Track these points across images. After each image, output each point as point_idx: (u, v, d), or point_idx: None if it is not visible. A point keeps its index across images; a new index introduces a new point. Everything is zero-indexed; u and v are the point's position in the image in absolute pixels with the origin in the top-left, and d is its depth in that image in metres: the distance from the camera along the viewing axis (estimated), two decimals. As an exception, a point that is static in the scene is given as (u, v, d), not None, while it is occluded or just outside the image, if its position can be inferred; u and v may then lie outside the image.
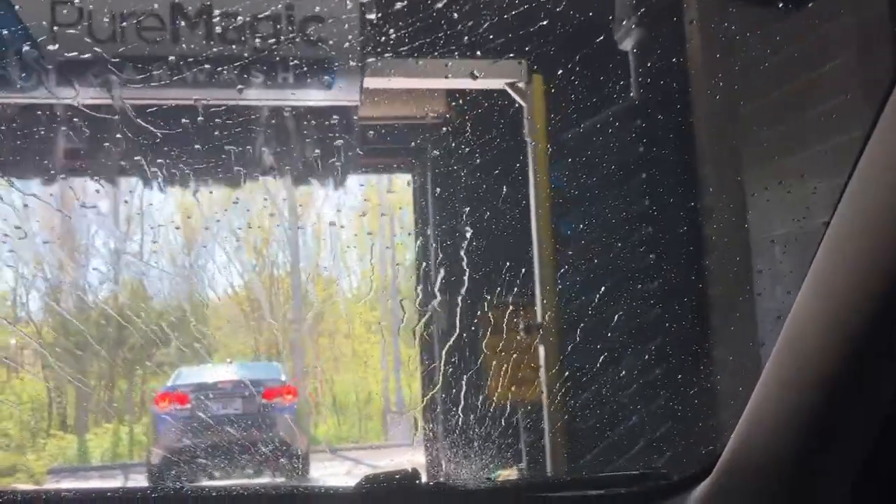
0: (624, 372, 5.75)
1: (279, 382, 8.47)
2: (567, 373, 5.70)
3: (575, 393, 5.72)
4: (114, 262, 17.86)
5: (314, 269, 19.61)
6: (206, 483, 6.78)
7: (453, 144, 6.19)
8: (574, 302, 5.77)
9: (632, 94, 5.44)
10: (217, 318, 17.89)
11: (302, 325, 18.23)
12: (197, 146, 5.18)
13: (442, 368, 6.85)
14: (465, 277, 6.19)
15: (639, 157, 5.35)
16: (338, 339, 19.09)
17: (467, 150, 5.92)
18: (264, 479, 7.14)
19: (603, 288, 5.39)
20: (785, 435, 1.21)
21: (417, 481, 1.73)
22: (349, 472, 11.70)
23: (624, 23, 5.41)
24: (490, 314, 6.30)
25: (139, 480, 13.14)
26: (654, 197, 5.37)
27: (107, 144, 5.41)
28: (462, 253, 6.00)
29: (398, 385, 18.29)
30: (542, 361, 5.73)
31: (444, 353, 6.66)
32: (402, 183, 7.94)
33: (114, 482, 13.41)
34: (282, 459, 7.38)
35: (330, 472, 11.83)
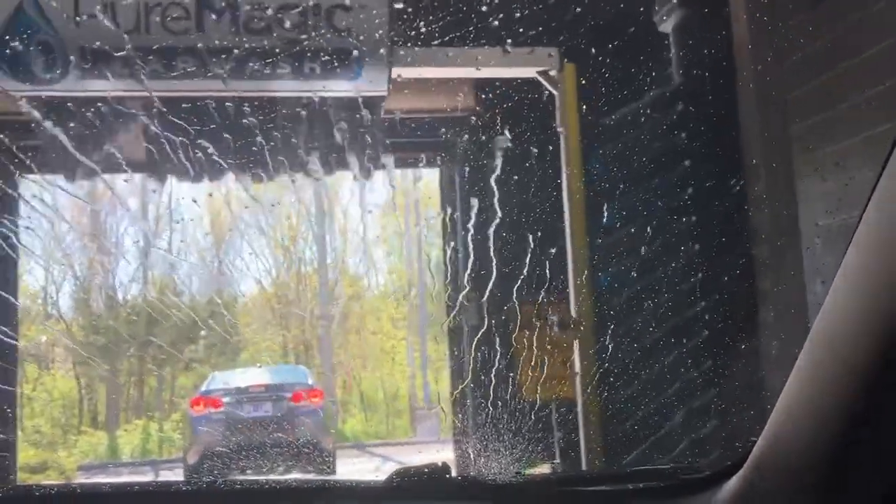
0: (659, 367, 5.61)
1: (306, 386, 8.98)
2: (601, 368, 5.56)
3: (608, 388, 5.58)
4: (142, 259, 18.00)
5: (341, 264, 19.62)
6: (238, 477, 6.89)
7: (483, 136, 6.03)
8: (609, 297, 5.61)
9: (673, 79, 5.22)
10: (246, 315, 17.95)
11: (330, 322, 18.21)
12: (221, 140, 5.09)
13: (471, 364, 6.74)
14: (496, 272, 6.05)
15: (680, 144, 5.13)
16: (365, 335, 19.05)
17: (497, 141, 5.76)
18: (295, 475, 7.42)
19: (638, 282, 5.23)
20: (817, 428, 1.20)
21: (447, 475, 1.72)
22: (377, 469, 11.84)
23: (665, 3, 5.20)
24: (522, 309, 6.15)
25: (170, 476, 13.23)
26: (694, 187, 5.16)
27: (132, 138, 5.35)
28: (492, 247, 5.86)
29: (425, 381, 18.22)
30: (576, 356, 5.59)
31: (473, 348, 6.54)
32: (430, 176, 7.83)
33: (145, 478, 13.48)
34: (310, 457, 7.83)
35: (358, 469, 11.89)
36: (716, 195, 5.07)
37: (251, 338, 17.51)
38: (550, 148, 5.65)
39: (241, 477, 6.76)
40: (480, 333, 6.39)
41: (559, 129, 5.62)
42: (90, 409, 17.17)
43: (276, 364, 13.22)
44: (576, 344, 5.53)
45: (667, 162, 5.12)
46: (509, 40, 5.25)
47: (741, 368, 5.16)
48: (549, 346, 5.98)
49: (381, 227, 19.47)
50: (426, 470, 1.69)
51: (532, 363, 6.13)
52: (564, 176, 5.52)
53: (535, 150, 5.62)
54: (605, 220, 5.45)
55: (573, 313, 5.52)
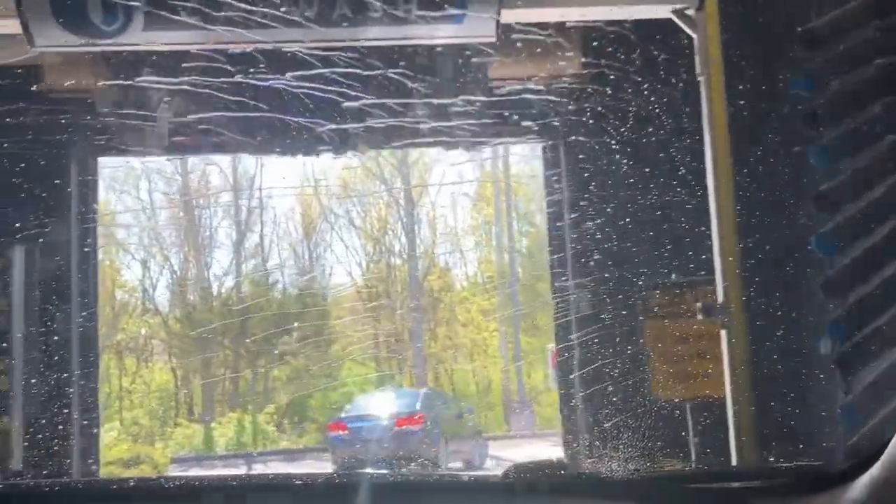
0: (807, 359, 4.77)
1: (411, 412, 11.77)
2: (752, 360, 4.69)
3: (760, 382, 4.72)
4: (235, 251, 18.04)
5: (431, 254, 19.11)
6: (360, 471, 7.09)
7: (604, 93, 5.17)
8: (759, 280, 4.71)
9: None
10: (337, 307, 17.74)
11: (421, 313, 17.82)
12: (298, 106, 4.47)
13: (580, 356, 6.09)
14: (620, 252, 5.32)
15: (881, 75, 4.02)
16: (456, 327, 18.54)
17: (624, 95, 4.89)
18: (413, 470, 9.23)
19: (805, 259, 4.30)
20: None
21: (564, 471, 1.78)
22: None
23: None
24: (652, 295, 5.40)
25: (262, 469, 13.18)
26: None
27: (216, 115, 4.83)
28: (616, 223, 5.11)
29: (519, 374, 17.71)
30: (723, 347, 4.73)
31: (586, 339, 5.91)
32: (536, 147, 7.25)
33: (239, 471, 13.41)
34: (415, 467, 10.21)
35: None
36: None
37: (342, 330, 17.33)
38: (688, 101, 4.71)
39: (362, 471, 7.29)
40: (598, 322, 5.69)
41: (699, 79, 4.67)
42: (186, 402, 17.32)
43: (397, 389, 15.76)
44: (722, 333, 4.65)
45: (859, 103, 4.04)
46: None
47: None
48: (686, 336, 5.20)
49: (479, 208, 18.91)
50: (543, 465, 1.74)
51: (664, 355, 5.38)
52: (707, 135, 4.57)
53: (669, 104, 4.71)
54: (762, 186, 4.49)
55: (719, 298, 4.64)
